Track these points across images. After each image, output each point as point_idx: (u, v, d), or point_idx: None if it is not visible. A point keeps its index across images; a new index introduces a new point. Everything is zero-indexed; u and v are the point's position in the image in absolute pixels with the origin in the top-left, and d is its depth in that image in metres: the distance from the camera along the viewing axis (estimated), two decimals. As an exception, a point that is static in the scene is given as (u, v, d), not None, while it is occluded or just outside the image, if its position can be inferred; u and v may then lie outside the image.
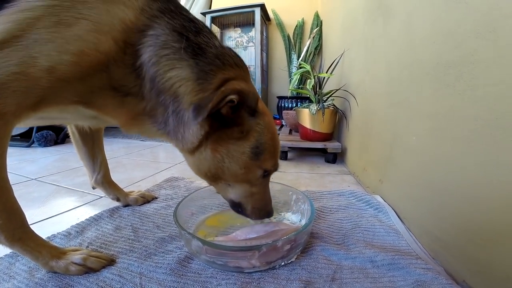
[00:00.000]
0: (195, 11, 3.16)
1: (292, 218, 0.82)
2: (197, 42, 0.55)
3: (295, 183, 1.27)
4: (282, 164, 1.59)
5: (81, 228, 0.78)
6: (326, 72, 1.63)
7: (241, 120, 0.57)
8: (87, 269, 0.59)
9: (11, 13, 0.44)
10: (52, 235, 0.74)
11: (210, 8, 3.21)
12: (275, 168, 0.65)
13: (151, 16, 0.52)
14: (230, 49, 0.61)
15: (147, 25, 0.52)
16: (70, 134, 0.84)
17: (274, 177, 0.72)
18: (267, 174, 0.65)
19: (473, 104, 0.54)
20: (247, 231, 0.69)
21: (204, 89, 0.53)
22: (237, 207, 0.69)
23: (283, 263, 0.61)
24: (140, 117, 0.58)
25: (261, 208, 0.68)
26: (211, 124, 0.56)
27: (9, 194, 0.52)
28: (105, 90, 0.53)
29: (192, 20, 0.57)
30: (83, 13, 0.46)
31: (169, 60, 0.53)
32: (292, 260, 0.63)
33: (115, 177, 0.96)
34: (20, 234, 0.55)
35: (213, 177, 0.63)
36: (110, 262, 0.62)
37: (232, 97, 0.51)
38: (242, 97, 0.53)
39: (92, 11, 0.47)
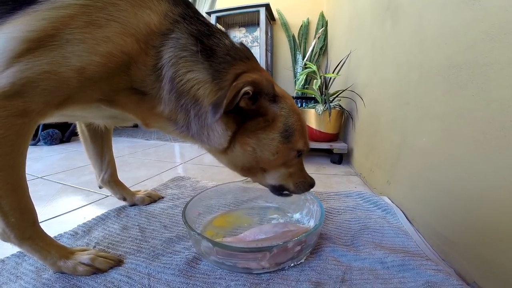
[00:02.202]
0: (204, 12, 3.17)
1: (301, 219, 0.82)
2: (209, 45, 0.56)
3: (301, 183, 1.26)
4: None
5: (88, 228, 0.78)
6: (333, 73, 1.62)
7: (263, 109, 0.58)
8: (95, 270, 0.58)
9: (46, 10, 0.44)
10: (59, 234, 0.74)
11: (213, 8, 3.23)
12: (306, 147, 0.66)
13: (173, 21, 0.55)
14: (241, 44, 0.62)
15: (169, 29, 0.54)
16: (79, 133, 0.84)
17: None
18: (300, 154, 0.66)
19: (486, 106, 0.53)
20: (255, 231, 0.69)
21: (221, 87, 0.55)
22: (278, 190, 0.71)
23: (292, 264, 0.61)
24: (159, 118, 0.59)
25: (304, 181, 0.70)
26: (236, 120, 0.57)
27: (25, 192, 0.52)
28: (127, 89, 0.54)
29: (208, 24, 0.59)
30: (114, 15, 0.48)
31: (187, 62, 0.54)
32: (301, 261, 0.62)
33: (120, 176, 0.96)
34: (31, 233, 0.54)
35: (249, 169, 0.65)
36: (118, 262, 0.62)
37: (247, 88, 0.51)
38: (257, 86, 0.53)
39: (122, 13, 0.48)
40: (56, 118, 0.62)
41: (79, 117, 0.71)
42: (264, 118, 0.58)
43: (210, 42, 0.57)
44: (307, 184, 0.71)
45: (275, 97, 0.59)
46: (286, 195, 0.72)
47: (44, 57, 0.44)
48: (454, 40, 0.64)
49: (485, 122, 0.53)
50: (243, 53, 0.60)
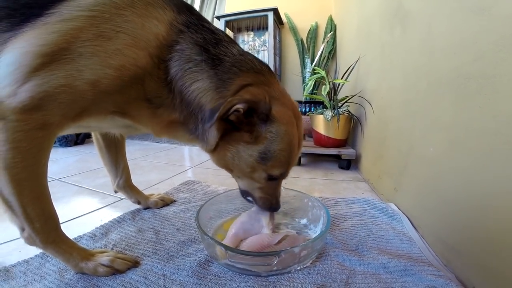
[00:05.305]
0: (210, 16, 3.23)
1: (308, 224, 0.84)
2: (215, 53, 0.58)
3: (309, 189, 1.28)
4: (295, 169, 1.60)
5: (105, 230, 0.82)
6: (342, 78, 1.63)
7: (251, 126, 0.59)
8: (114, 271, 0.62)
9: (55, 22, 0.46)
10: (78, 236, 0.78)
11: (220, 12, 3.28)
12: (282, 176, 0.68)
13: (178, 31, 0.56)
14: (249, 54, 0.64)
15: (175, 40, 0.55)
16: (94, 141, 0.88)
17: (288, 183, 0.74)
18: (274, 179, 0.67)
19: (493, 119, 0.54)
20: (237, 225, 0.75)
21: (223, 96, 0.57)
22: (244, 194, 0.76)
23: (298, 268, 0.63)
24: (174, 125, 0.62)
25: (267, 200, 0.72)
26: (225, 127, 0.59)
27: (48, 199, 0.56)
28: (140, 101, 0.57)
29: (213, 31, 0.60)
30: (121, 26, 0.49)
31: (192, 73, 0.56)
32: (307, 265, 0.65)
33: (133, 179, 0.99)
34: (54, 237, 0.58)
35: (229, 169, 0.69)
36: (135, 264, 0.65)
37: (239, 106, 0.53)
38: (252, 104, 0.55)
39: (129, 24, 0.49)
40: (72, 130, 0.64)
41: (95, 127, 0.74)
42: (250, 135, 0.60)
43: (216, 51, 0.58)
44: (269, 204, 0.73)
45: (268, 118, 0.59)
46: (249, 201, 0.77)
47: (59, 71, 0.46)
48: (462, 50, 0.64)
49: (491, 135, 0.54)
50: (252, 64, 0.61)
